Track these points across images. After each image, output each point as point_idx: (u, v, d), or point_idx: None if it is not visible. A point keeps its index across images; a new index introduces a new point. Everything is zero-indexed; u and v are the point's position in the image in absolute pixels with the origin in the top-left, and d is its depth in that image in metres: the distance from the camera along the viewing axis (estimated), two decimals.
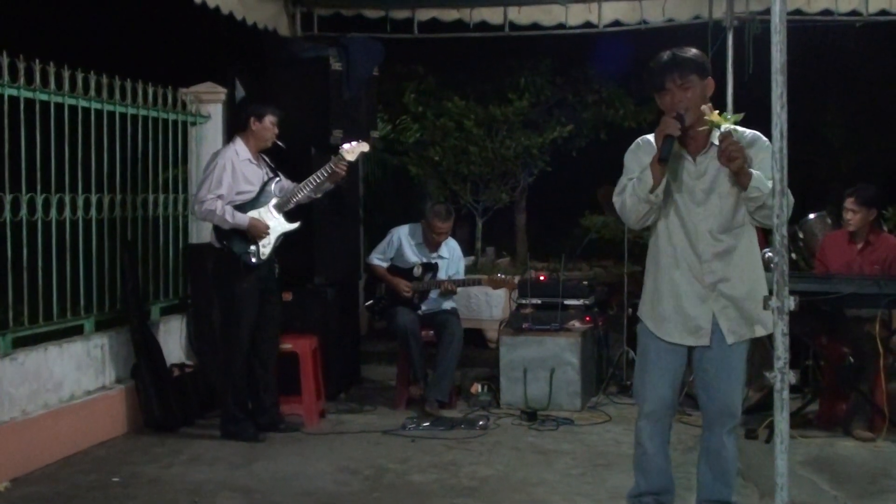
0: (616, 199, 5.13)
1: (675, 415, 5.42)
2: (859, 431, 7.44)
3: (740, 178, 4.84)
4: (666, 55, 5.00)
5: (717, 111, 4.88)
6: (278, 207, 7.65)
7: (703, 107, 4.91)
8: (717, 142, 4.90)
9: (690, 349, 5.15)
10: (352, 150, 7.79)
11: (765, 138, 5.00)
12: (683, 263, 5.06)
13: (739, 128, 5.00)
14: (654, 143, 4.95)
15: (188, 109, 9.04)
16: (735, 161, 4.77)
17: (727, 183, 4.97)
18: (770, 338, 4.40)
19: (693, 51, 5.04)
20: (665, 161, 4.87)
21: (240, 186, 7.54)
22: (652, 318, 5.20)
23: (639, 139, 5.21)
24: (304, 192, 7.69)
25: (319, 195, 7.85)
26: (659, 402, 5.19)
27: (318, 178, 7.67)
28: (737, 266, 5.04)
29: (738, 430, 5.27)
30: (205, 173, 7.68)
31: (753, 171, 4.83)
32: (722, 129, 4.81)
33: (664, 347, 5.15)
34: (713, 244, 5.02)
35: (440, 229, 8.80)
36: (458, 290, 8.88)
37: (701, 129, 4.92)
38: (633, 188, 4.98)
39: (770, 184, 4.64)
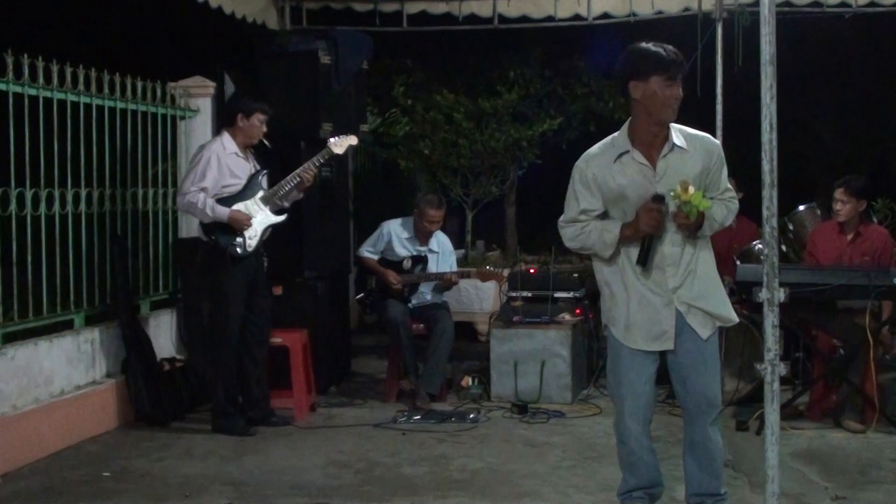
0: (568, 229, 5.13)
1: (654, 409, 5.41)
2: (850, 423, 7.46)
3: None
4: (671, 49, 4.96)
5: (692, 189, 4.87)
6: (265, 200, 7.64)
7: (684, 183, 4.90)
8: (677, 142, 4.99)
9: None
10: (339, 143, 7.80)
11: (714, 139, 5.18)
12: (646, 269, 5.05)
13: (692, 131, 5.09)
14: (637, 222, 4.96)
15: (177, 103, 9.02)
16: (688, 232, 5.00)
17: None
18: (761, 329, 4.41)
19: None
20: (645, 265, 4.98)
21: (225, 180, 7.53)
22: (616, 326, 5.18)
23: (587, 158, 5.14)
24: (278, 194, 7.68)
25: (288, 204, 7.84)
26: (639, 400, 5.18)
27: (289, 184, 7.66)
28: (693, 271, 5.05)
29: (721, 421, 5.25)
30: (189, 165, 7.69)
31: (706, 219, 4.97)
32: (680, 208, 4.90)
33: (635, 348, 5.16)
34: (671, 248, 5.02)
35: (432, 217, 8.79)
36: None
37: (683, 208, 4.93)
38: (599, 243, 5.04)
39: (719, 220, 5.05)
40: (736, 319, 5.18)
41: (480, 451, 7.05)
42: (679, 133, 5.04)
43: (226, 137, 7.63)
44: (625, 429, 5.23)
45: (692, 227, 4.94)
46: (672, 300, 5.02)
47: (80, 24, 16.05)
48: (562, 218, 5.19)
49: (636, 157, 4.99)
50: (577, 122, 13.97)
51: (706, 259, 5.11)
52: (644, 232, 4.92)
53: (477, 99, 12.98)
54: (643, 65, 4.92)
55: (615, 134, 5.13)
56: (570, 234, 5.14)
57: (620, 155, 5.01)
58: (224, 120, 7.84)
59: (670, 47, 4.98)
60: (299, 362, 8.09)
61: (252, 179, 7.65)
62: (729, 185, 5.15)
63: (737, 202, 5.14)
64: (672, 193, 4.88)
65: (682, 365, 5.12)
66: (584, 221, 5.07)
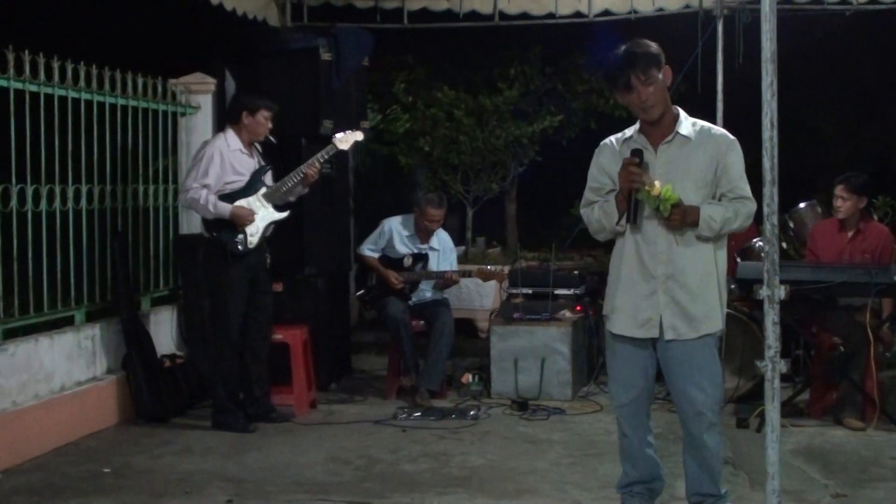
0: (583, 212, 5.27)
1: (651, 402, 5.41)
2: (850, 420, 7.45)
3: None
4: (623, 52, 5.02)
5: (658, 184, 4.90)
6: (268, 196, 7.64)
7: (649, 180, 4.93)
8: (681, 130, 5.05)
9: (654, 343, 5.14)
10: (345, 139, 7.81)
11: (730, 136, 5.13)
12: (639, 254, 5.08)
13: (708, 125, 5.12)
14: (618, 184, 5.05)
15: (178, 100, 9.02)
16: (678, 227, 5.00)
17: (686, 174, 5.01)
18: (761, 326, 4.41)
19: (648, 43, 5.09)
20: (636, 223, 5.02)
21: (228, 177, 7.53)
22: (608, 312, 5.24)
23: (603, 142, 5.29)
24: (280, 190, 7.68)
25: (293, 198, 7.84)
26: (632, 393, 5.21)
27: (292, 180, 7.66)
28: (689, 261, 5.02)
29: (718, 427, 5.15)
30: (193, 162, 7.69)
31: (702, 218, 4.94)
32: (658, 204, 4.94)
33: (628, 339, 5.15)
34: (668, 234, 5.02)
35: (433, 216, 8.78)
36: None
37: (647, 200, 4.98)
38: (602, 216, 5.14)
39: (720, 220, 4.95)
40: (721, 326, 5.13)
41: (480, 448, 7.05)
42: (691, 124, 5.10)
43: (230, 134, 7.62)
44: (620, 418, 5.28)
45: (676, 221, 4.95)
46: (657, 289, 5.03)
47: (82, 20, 16.03)
48: (581, 207, 5.31)
49: (639, 140, 5.10)
50: (578, 120, 14.01)
51: (705, 261, 5.06)
52: (625, 189, 4.98)
53: (477, 96, 13.00)
54: (605, 82, 5.21)
55: None
56: (585, 218, 5.26)
57: (626, 140, 5.16)
58: (228, 117, 7.82)
59: (623, 50, 5.03)
60: (300, 359, 8.09)
61: (255, 176, 7.65)
62: (744, 189, 5.03)
63: (751, 206, 5.00)
64: (641, 195, 4.94)
65: (669, 369, 5.14)
66: (595, 202, 5.19)
